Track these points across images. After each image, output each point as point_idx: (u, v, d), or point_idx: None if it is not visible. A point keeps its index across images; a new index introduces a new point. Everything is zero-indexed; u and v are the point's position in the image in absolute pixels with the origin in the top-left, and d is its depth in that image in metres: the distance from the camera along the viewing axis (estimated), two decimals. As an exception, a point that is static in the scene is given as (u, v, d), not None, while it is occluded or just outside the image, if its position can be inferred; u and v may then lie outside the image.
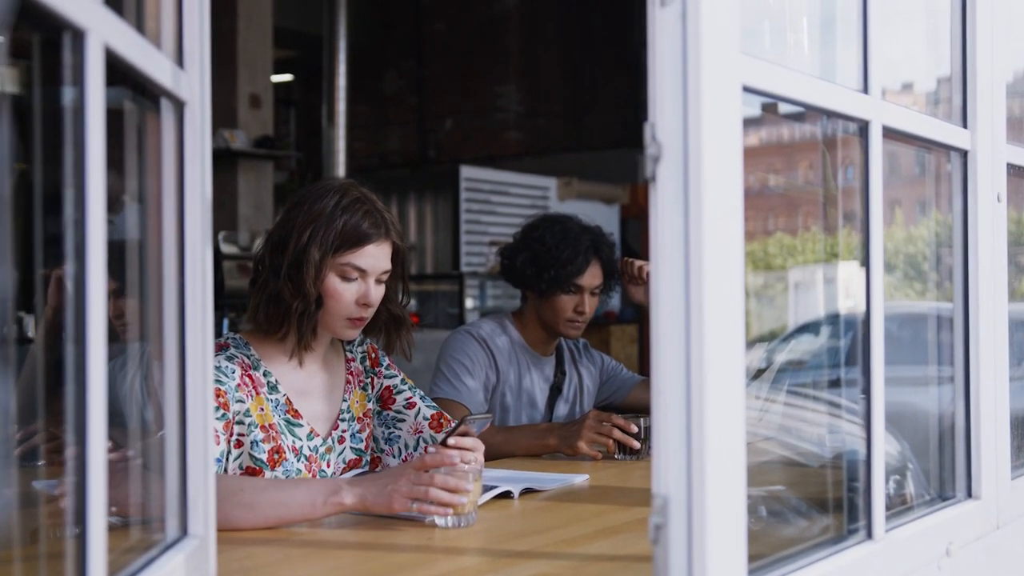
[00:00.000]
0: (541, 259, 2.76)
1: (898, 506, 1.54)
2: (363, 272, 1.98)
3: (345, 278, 1.97)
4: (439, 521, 1.71)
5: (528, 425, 2.71)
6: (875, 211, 1.36)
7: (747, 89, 1.10)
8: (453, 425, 1.99)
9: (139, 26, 1.07)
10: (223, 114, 7.09)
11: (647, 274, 2.81)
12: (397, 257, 2.04)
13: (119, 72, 0.98)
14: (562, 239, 2.76)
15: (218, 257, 6.14)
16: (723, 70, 1.05)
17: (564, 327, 2.81)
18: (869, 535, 1.34)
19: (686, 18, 1.02)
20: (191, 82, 1.18)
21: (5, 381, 0.64)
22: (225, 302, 5.93)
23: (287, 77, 10.47)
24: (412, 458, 2.11)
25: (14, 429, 1.25)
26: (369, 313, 2.01)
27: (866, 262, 1.37)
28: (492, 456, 2.38)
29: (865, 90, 1.36)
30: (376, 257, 1.99)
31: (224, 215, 7.10)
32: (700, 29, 1.02)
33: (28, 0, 0.79)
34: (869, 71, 1.36)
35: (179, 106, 1.17)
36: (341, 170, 7.97)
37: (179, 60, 1.17)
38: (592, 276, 2.79)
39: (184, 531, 1.18)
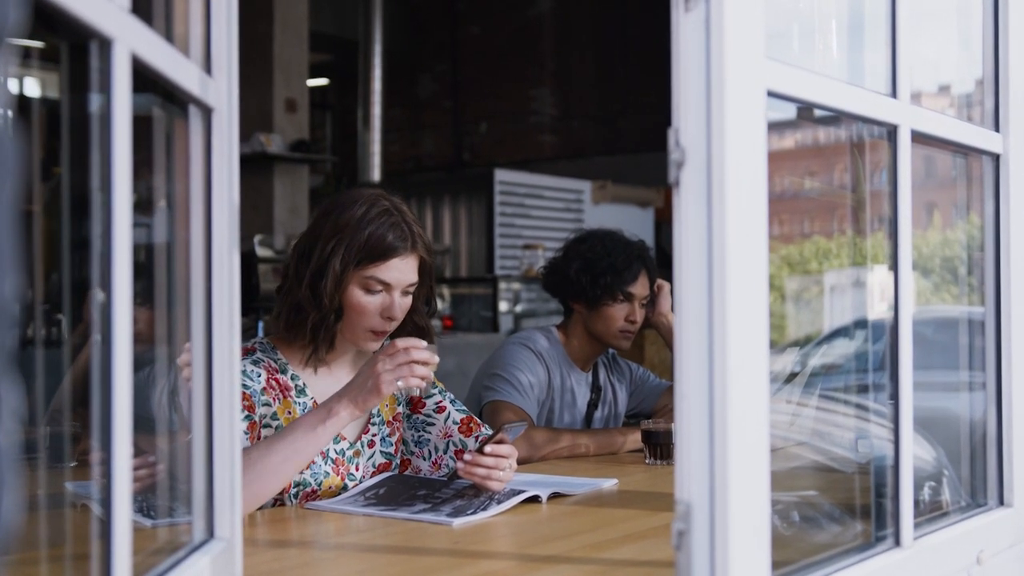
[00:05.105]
0: (595, 267, 2.75)
1: (931, 513, 1.53)
2: (387, 285, 1.96)
3: (369, 291, 1.95)
4: (415, 391, 1.98)
5: None
6: (903, 215, 1.35)
7: (772, 94, 1.09)
8: (491, 434, 1.99)
9: (167, 32, 1.08)
10: (259, 118, 7.13)
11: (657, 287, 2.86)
12: (424, 269, 2.01)
13: (147, 79, 0.99)
14: (614, 247, 2.77)
15: (254, 260, 6.18)
16: (747, 75, 1.04)
17: (616, 338, 2.80)
18: (897, 542, 1.33)
19: (710, 23, 1.02)
20: (219, 89, 1.19)
21: (20, 384, 0.66)
22: (260, 305, 5.97)
23: (323, 81, 10.53)
24: (442, 462, 2.12)
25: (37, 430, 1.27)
26: (392, 326, 1.99)
27: (894, 266, 1.36)
28: None
29: (893, 94, 1.35)
30: (401, 271, 1.96)
31: (260, 219, 7.14)
32: (724, 34, 1.01)
33: (57, 9, 0.80)
34: (898, 75, 1.35)
35: (207, 112, 1.18)
36: (376, 173, 8.00)
37: (207, 67, 1.18)
38: (643, 285, 2.79)
39: (210, 533, 1.19)
